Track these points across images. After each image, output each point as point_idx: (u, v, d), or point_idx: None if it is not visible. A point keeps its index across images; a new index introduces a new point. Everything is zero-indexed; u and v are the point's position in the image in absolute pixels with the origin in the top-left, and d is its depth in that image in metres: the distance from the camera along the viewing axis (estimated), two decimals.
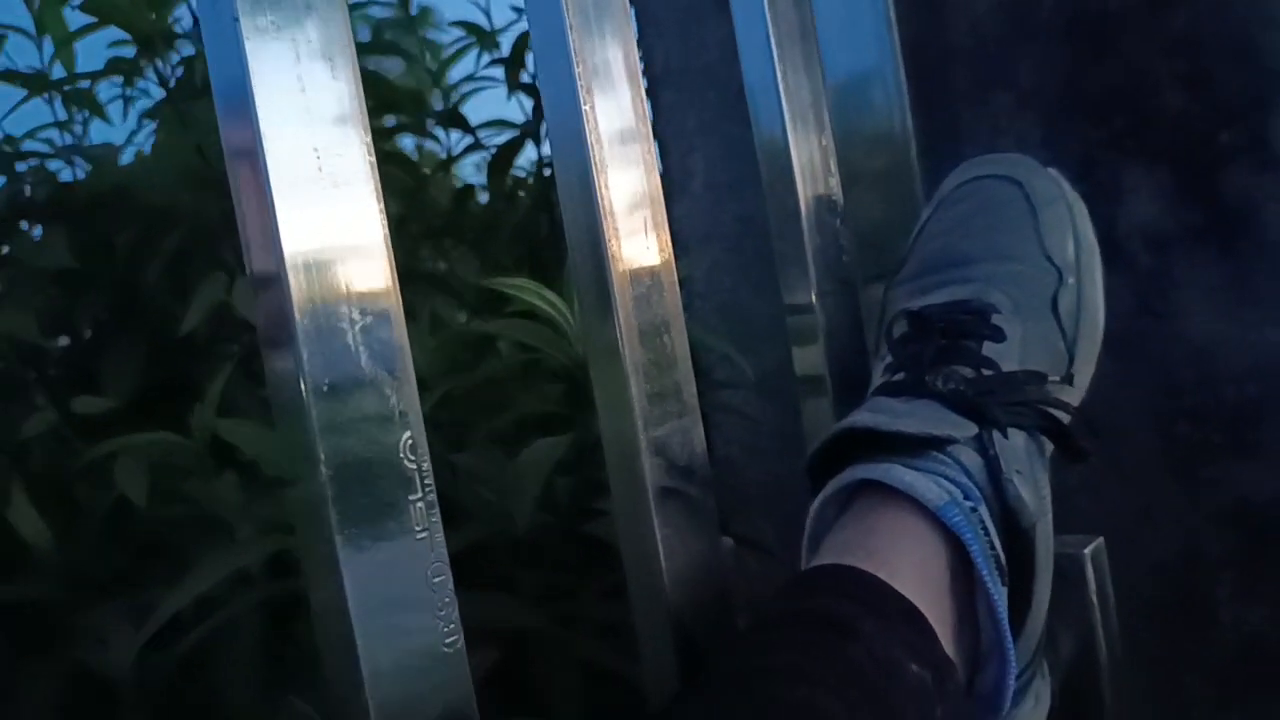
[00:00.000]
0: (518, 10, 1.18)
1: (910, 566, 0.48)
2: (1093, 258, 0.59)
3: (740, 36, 0.60)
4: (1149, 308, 0.70)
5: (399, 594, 0.36)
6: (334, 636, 0.35)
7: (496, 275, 0.85)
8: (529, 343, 0.66)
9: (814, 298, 0.61)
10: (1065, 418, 0.56)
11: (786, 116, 0.60)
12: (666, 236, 0.51)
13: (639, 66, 0.51)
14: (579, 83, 0.47)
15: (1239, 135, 0.64)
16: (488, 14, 1.19)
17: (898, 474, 0.49)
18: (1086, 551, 0.55)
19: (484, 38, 1.14)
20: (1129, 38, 0.68)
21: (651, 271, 0.50)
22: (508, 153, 1.13)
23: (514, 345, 0.71)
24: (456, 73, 1.33)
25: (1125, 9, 0.67)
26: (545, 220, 1.21)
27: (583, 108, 0.47)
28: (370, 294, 0.37)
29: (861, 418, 0.52)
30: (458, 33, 1.20)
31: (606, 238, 0.47)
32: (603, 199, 0.47)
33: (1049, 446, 0.56)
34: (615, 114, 0.49)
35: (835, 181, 0.63)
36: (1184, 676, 0.74)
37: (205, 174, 0.90)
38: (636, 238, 0.49)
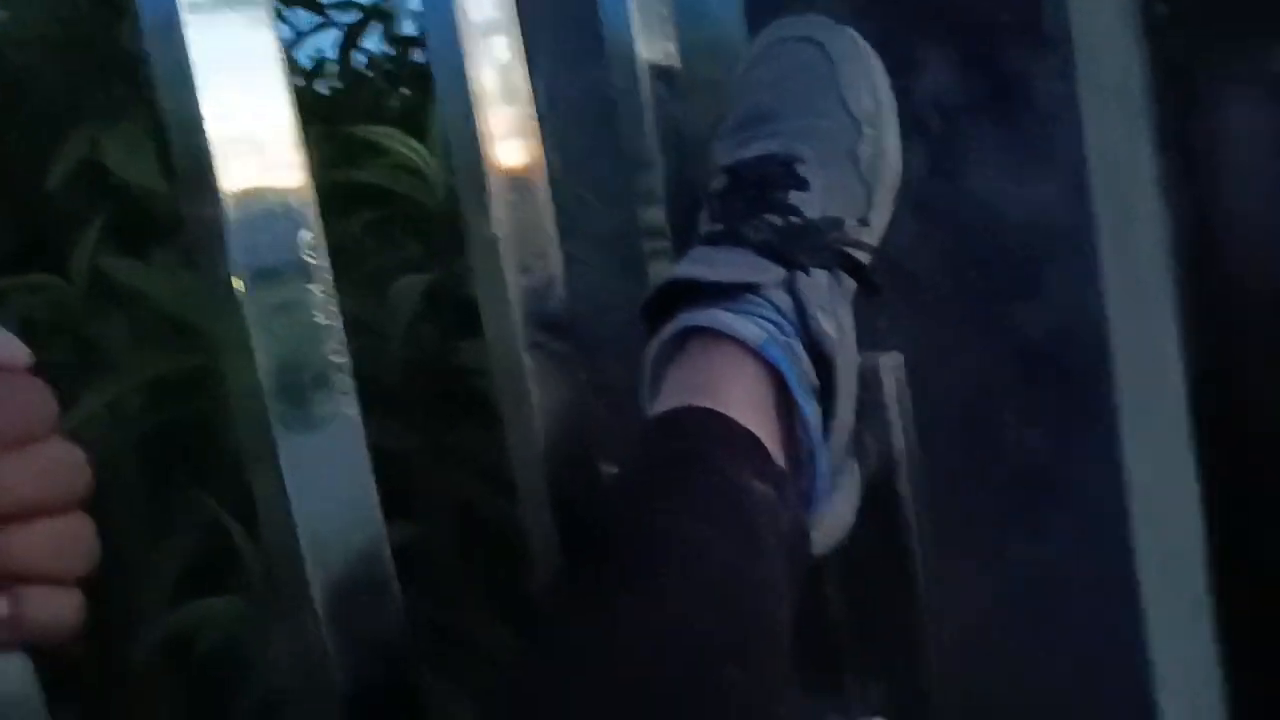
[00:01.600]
0: None
1: (742, 398, 0.58)
2: (889, 110, 0.67)
3: None
4: (941, 169, 0.79)
5: (301, 364, 0.44)
6: (250, 418, 0.43)
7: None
8: (396, 189, 0.71)
9: (655, 156, 0.69)
10: (864, 256, 0.66)
11: None
12: (530, 105, 0.57)
13: None
14: None
15: (1015, 16, 0.74)
16: None
17: (722, 319, 0.58)
18: (882, 361, 0.66)
19: None
20: None
21: (519, 138, 0.57)
22: (355, 33, 1.16)
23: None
24: None
25: None
26: (397, 99, 1.25)
27: None
28: None
29: (684, 269, 0.61)
30: None
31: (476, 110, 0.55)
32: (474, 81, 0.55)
33: (850, 282, 0.66)
34: None
35: (673, 49, 0.70)
36: (976, 494, 0.86)
37: (66, 36, 0.91)
38: (504, 119, 0.56)
